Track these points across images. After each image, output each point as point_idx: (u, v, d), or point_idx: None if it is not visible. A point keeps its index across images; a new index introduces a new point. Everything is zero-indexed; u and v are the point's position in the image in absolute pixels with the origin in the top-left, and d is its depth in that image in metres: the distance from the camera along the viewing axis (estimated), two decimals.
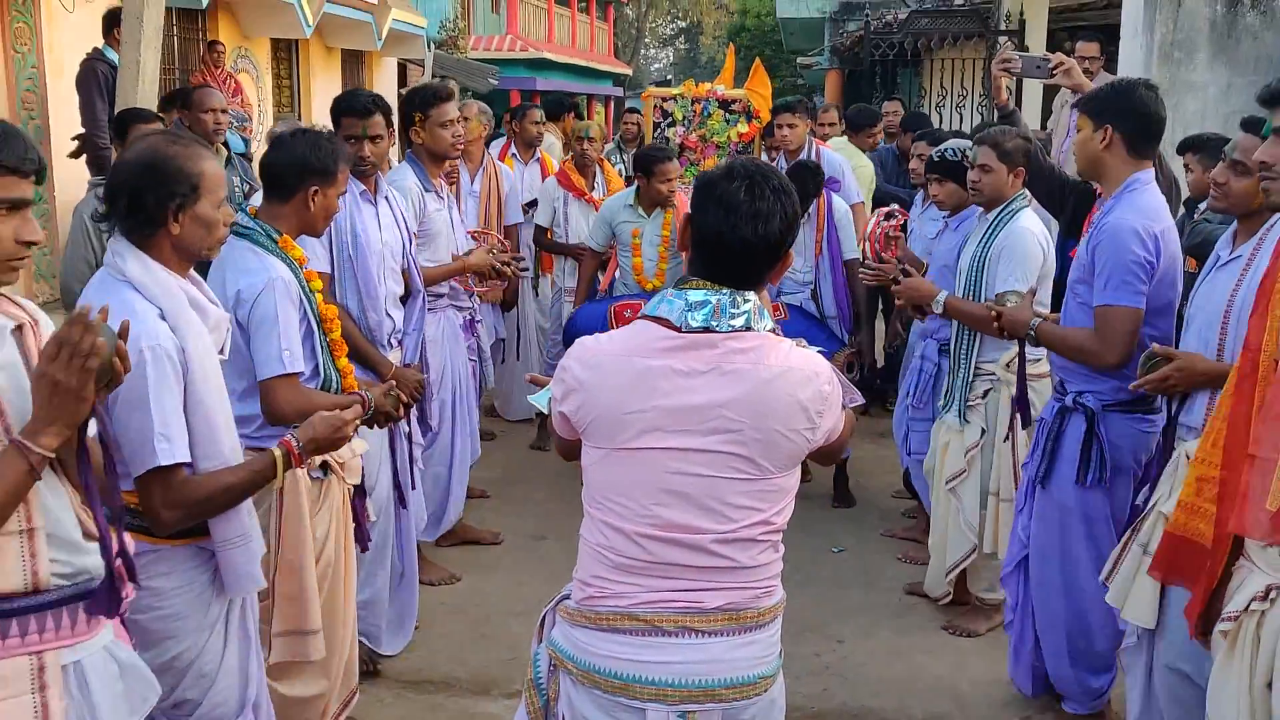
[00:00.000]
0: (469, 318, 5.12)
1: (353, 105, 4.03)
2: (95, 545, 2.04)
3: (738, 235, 2.05)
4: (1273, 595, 2.20)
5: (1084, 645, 3.67)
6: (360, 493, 3.35)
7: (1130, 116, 3.37)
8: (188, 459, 2.39)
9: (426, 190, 4.62)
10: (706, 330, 2.06)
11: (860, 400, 2.36)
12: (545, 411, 2.33)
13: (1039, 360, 4.14)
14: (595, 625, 2.13)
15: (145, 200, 2.39)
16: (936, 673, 4.22)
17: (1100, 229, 3.39)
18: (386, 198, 4.10)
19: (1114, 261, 3.31)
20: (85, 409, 1.90)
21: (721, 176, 2.09)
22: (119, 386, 2.03)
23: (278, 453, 2.57)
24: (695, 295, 2.07)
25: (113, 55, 6.95)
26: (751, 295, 2.10)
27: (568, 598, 2.23)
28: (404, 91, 11.86)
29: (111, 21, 7.18)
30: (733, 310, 2.07)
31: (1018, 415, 4.04)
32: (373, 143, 3.98)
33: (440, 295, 4.78)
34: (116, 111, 5.27)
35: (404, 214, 4.20)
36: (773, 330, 2.13)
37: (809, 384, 2.09)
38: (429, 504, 4.86)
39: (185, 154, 2.43)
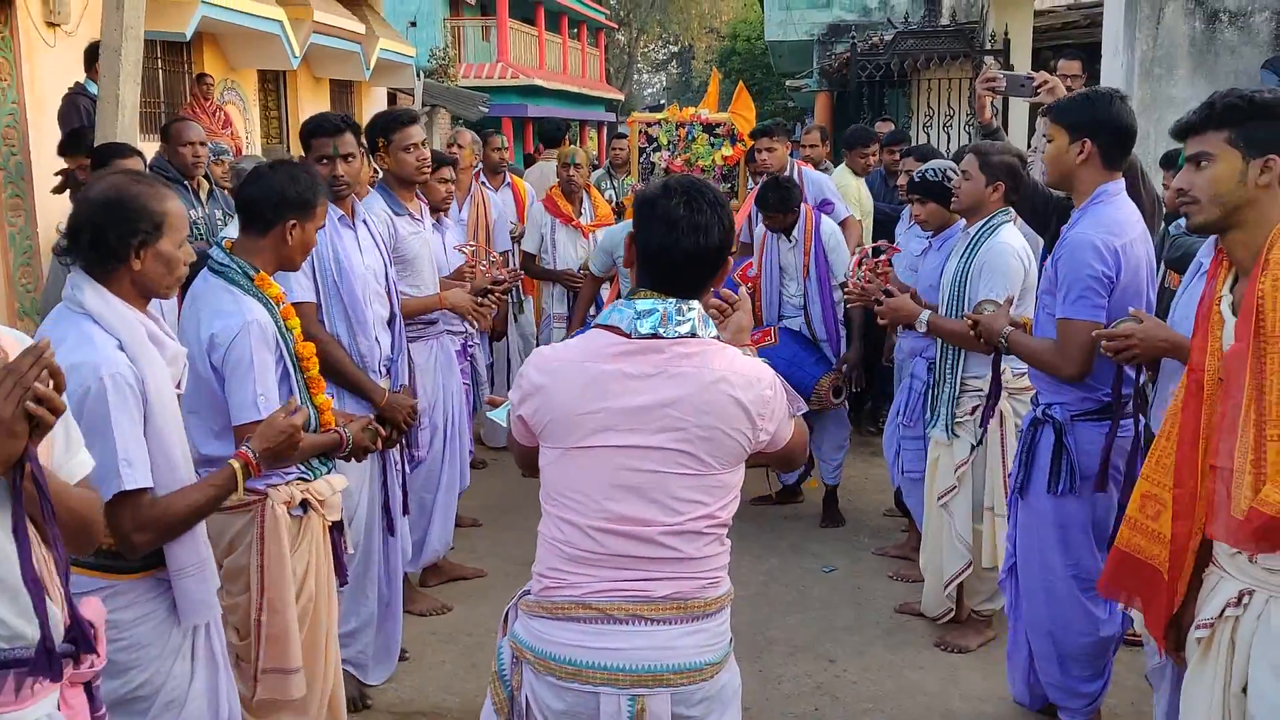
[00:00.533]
0: (465, 342, 5.10)
1: (322, 125, 3.97)
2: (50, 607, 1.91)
3: (680, 248, 2.19)
4: (1245, 600, 2.23)
5: (1068, 651, 3.66)
6: (339, 528, 3.33)
7: (1108, 129, 3.38)
8: (150, 484, 2.41)
9: (398, 215, 4.54)
10: (655, 337, 2.19)
11: (805, 408, 2.45)
12: (505, 424, 2.42)
13: (1022, 375, 4.15)
14: (551, 615, 2.25)
15: (108, 237, 2.42)
16: (929, 690, 4.20)
17: (1063, 242, 3.42)
18: (365, 221, 4.08)
19: (1073, 275, 3.34)
20: (17, 446, 1.76)
21: (660, 194, 2.23)
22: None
23: (236, 465, 2.60)
24: (643, 304, 2.21)
25: (95, 89, 6.96)
26: (695, 304, 2.23)
27: (528, 592, 2.34)
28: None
29: (93, 55, 7.20)
30: (679, 318, 2.20)
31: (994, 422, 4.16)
32: (345, 161, 3.90)
33: (432, 322, 4.76)
34: (94, 145, 5.25)
35: (382, 237, 4.18)
36: (716, 337, 2.26)
37: (751, 387, 2.22)
38: (412, 532, 4.81)
39: (149, 193, 2.48)
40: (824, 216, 5.96)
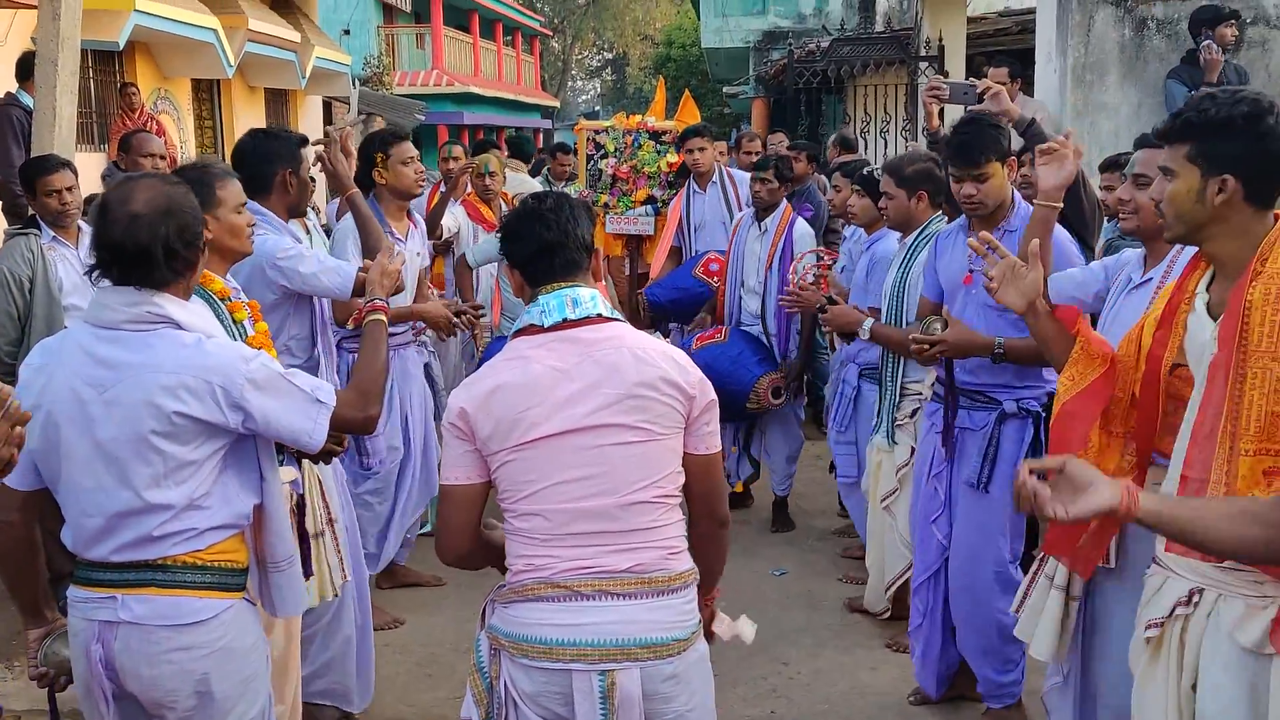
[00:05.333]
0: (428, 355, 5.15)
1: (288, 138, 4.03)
2: None
3: (553, 230, 2.40)
4: (1195, 599, 2.26)
5: (1011, 634, 3.72)
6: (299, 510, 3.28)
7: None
8: (333, 390, 2.57)
9: (384, 231, 4.54)
10: (565, 322, 2.36)
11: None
12: None
13: (921, 380, 4.33)
14: (522, 598, 2.35)
15: (176, 249, 2.38)
16: (880, 689, 4.26)
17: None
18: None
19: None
20: None
21: (510, 216, 2.51)
22: None
23: (381, 318, 2.84)
24: (544, 299, 2.40)
25: (28, 100, 6.83)
26: (591, 290, 2.42)
27: (503, 586, 2.43)
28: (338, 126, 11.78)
29: (26, 66, 7.07)
30: (579, 300, 2.38)
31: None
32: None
33: (397, 333, 4.78)
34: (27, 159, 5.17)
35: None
36: (622, 320, 2.45)
37: (667, 357, 2.40)
38: (366, 541, 4.75)
39: (187, 192, 2.47)
40: (800, 220, 5.99)
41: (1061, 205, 3.37)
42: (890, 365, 4.45)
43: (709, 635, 2.59)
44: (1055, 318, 2.88)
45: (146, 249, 2.34)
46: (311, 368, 3.88)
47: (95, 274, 2.40)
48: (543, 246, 2.40)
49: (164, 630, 2.38)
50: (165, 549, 2.37)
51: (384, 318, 2.86)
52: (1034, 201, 3.42)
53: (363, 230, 4.10)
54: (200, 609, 2.40)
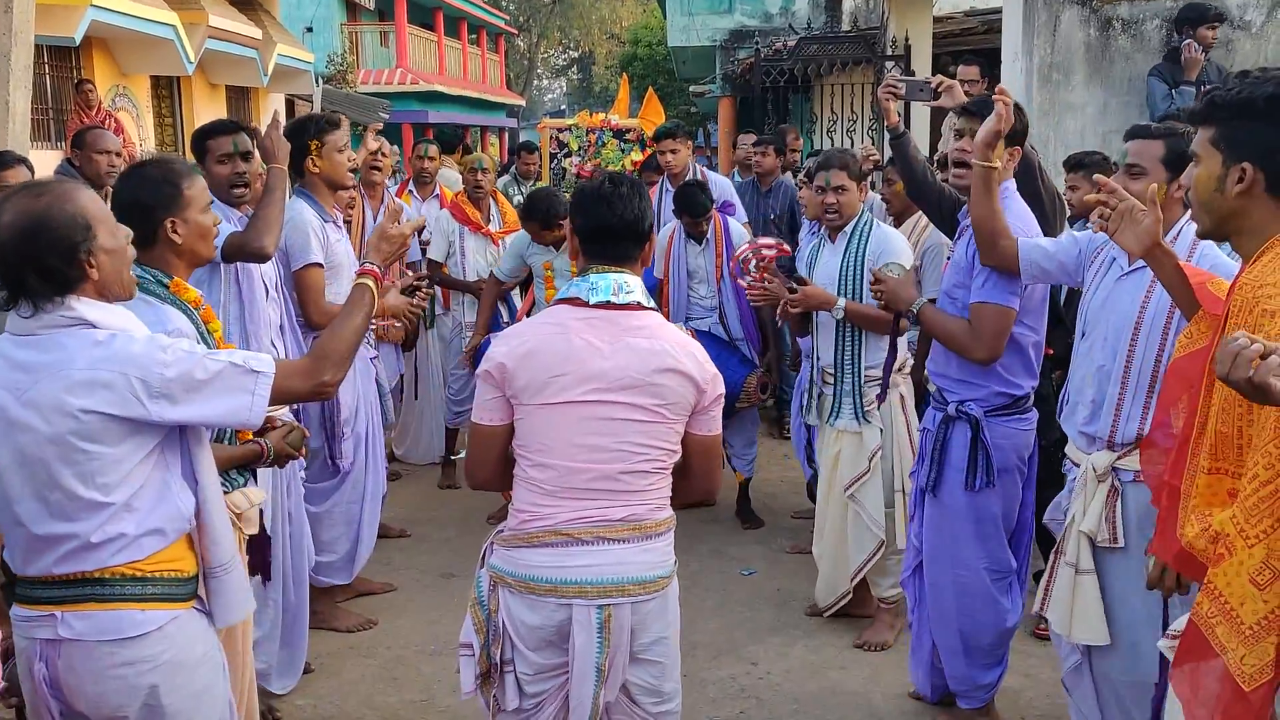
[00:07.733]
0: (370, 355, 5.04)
1: (217, 127, 3.98)
2: None
3: (615, 216, 2.65)
4: None
5: (975, 642, 3.76)
6: (263, 540, 3.26)
7: (1022, 135, 3.58)
8: (271, 360, 2.43)
9: (325, 221, 4.49)
10: (609, 304, 2.60)
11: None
12: None
13: (877, 366, 4.45)
14: (527, 543, 2.62)
15: (53, 266, 2.23)
16: (851, 688, 4.24)
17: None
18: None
19: None
20: None
21: (589, 185, 2.75)
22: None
23: (369, 283, 2.71)
24: (595, 277, 2.64)
25: None
26: (636, 279, 2.66)
27: (503, 530, 2.70)
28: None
29: None
30: (625, 287, 2.63)
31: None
32: (245, 160, 3.91)
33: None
34: None
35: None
36: (656, 310, 2.70)
37: (688, 352, 2.65)
38: (342, 544, 4.70)
39: (58, 199, 2.26)
40: (729, 218, 6.04)
41: (996, 165, 3.32)
42: (849, 350, 4.49)
43: None
44: (1179, 267, 2.62)
45: (19, 275, 2.22)
46: None
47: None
48: (602, 229, 2.65)
49: (106, 645, 2.30)
50: (103, 558, 2.29)
51: (371, 283, 2.72)
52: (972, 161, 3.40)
53: (264, 202, 3.82)
54: (142, 622, 2.32)
